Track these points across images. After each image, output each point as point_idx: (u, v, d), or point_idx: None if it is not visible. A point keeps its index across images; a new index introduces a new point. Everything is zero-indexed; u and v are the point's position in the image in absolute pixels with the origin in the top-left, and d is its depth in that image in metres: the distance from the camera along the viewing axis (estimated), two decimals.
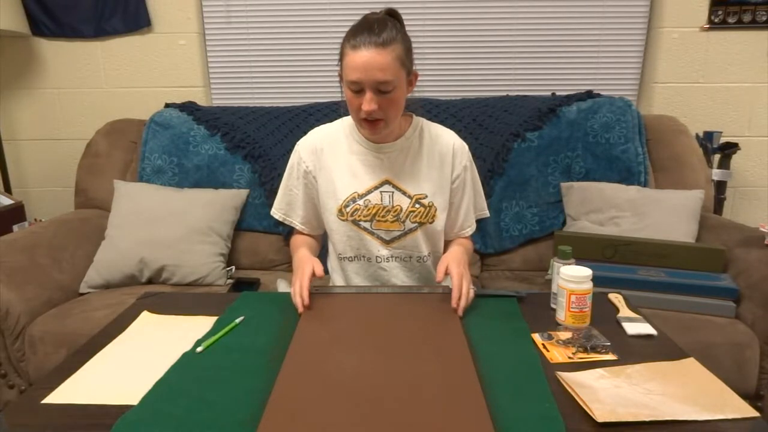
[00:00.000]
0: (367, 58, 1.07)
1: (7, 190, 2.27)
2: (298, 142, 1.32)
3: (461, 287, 1.04)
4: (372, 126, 1.15)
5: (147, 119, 2.06)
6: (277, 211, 1.35)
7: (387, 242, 1.26)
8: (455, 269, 1.08)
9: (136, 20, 2.20)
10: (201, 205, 1.86)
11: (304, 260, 1.16)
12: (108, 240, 1.79)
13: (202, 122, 2.02)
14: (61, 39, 2.24)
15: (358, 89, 1.10)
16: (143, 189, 1.93)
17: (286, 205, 1.34)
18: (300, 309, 1.05)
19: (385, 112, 1.13)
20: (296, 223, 1.34)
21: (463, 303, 1.03)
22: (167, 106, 2.11)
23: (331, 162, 1.27)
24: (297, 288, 1.08)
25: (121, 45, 2.24)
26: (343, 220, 1.25)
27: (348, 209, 1.24)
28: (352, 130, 1.27)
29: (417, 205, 1.25)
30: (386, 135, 1.24)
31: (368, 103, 1.10)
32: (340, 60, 1.14)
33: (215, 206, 1.87)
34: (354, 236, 1.26)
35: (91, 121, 2.25)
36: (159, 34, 2.24)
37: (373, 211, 1.24)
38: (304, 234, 1.36)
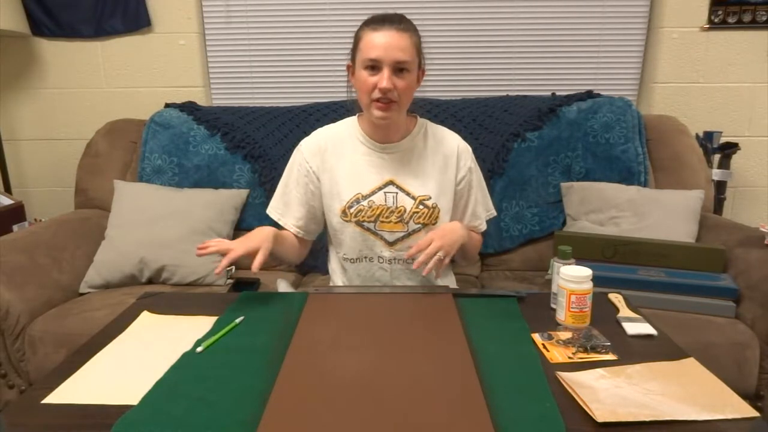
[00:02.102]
0: (388, 37, 1.11)
1: (7, 190, 2.27)
2: (301, 142, 1.31)
3: (424, 246, 1.12)
4: (384, 107, 1.15)
5: (147, 119, 2.06)
6: (273, 211, 1.32)
7: (390, 244, 1.26)
8: (430, 234, 1.16)
9: (136, 20, 2.20)
10: (201, 205, 1.86)
11: (262, 234, 1.15)
12: (108, 240, 1.79)
13: (202, 122, 2.02)
14: (61, 39, 2.24)
15: (375, 66, 1.13)
16: (143, 189, 1.93)
17: (284, 205, 1.31)
18: (200, 252, 1.08)
19: (399, 93, 1.14)
20: (290, 224, 1.30)
21: (421, 258, 1.11)
22: (167, 106, 2.11)
23: (335, 162, 1.26)
24: (226, 245, 1.09)
25: (121, 45, 2.24)
26: (347, 221, 1.25)
27: (352, 210, 1.24)
28: (356, 131, 1.27)
29: (421, 207, 1.24)
30: (391, 134, 1.24)
31: (386, 80, 1.11)
32: (355, 46, 1.17)
33: (215, 206, 1.87)
34: (357, 237, 1.26)
35: (91, 121, 2.25)
36: (159, 34, 2.24)
37: (377, 212, 1.24)
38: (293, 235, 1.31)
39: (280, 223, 1.32)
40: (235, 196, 1.93)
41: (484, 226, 1.37)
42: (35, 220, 2.24)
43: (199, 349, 0.89)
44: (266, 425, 0.68)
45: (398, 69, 1.13)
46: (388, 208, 1.24)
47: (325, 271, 1.43)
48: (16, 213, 2.09)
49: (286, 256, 1.28)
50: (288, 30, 2.27)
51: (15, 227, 2.04)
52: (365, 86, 1.15)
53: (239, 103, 2.29)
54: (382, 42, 1.11)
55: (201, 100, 2.22)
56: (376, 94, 1.13)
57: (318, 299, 1.09)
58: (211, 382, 0.79)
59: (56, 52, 2.25)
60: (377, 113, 1.16)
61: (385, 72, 1.11)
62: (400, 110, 1.18)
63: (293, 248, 1.30)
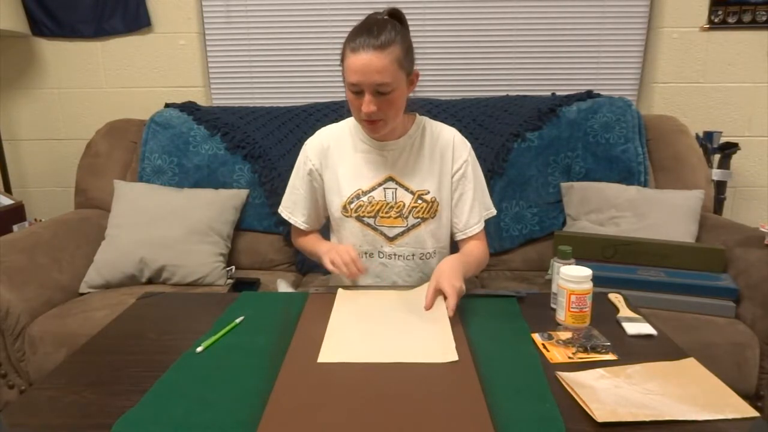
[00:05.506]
0: (365, 60, 1.09)
1: (7, 190, 2.27)
2: (306, 141, 1.34)
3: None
4: (372, 125, 1.18)
5: (147, 119, 2.06)
6: (284, 210, 1.38)
7: (390, 239, 1.27)
8: (447, 287, 1.01)
9: (136, 20, 2.20)
10: (201, 205, 1.86)
11: (338, 245, 1.24)
12: (108, 240, 1.79)
13: (202, 122, 2.02)
14: (61, 39, 2.24)
15: (358, 90, 1.13)
16: (143, 189, 1.93)
17: (292, 203, 1.36)
18: (354, 274, 1.13)
19: (385, 112, 1.15)
20: (300, 222, 1.36)
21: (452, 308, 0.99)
22: (167, 106, 2.11)
23: (337, 160, 1.29)
24: (346, 257, 1.14)
25: (121, 45, 2.24)
26: (348, 217, 1.27)
27: (352, 206, 1.26)
28: (357, 129, 1.29)
29: (419, 201, 1.26)
30: (390, 133, 1.25)
31: (367, 104, 1.12)
32: (342, 62, 1.16)
33: (215, 206, 1.87)
34: (357, 232, 1.27)
35: (91, 121, 2.25)
36: (159, 34, 2.24)
37: (377, 208, 1.26)
38: (307, 232, 1.38)
39: (290, 221, 1.37)
40: (235, 196, 1.93)
41: (480, 226, 1.31)
42: (35, 220, 2.24)
43: (199, 349, 0.89)
44: (266, 425, 0.68)
45: (379, 91, 1.12)
46: (388, 203, 1.26)
47: (325, 271, 1.43)
48: (16, 213, 2.09)
49: None
50: (288, 30, 2.27)
51: (15, 227, 2.04)
52: (352, 107, 1.18)
53: (239, 103, 2.29)
54: (359, 66, 1.09)
55: (201, 100, 2.22)
56: (363, 116, 1.15)
57: (318, 299, 1.09)
58: (211, 382, 0.79)
59: (56, 52, 2.25)
60: (367, 131, 1.22)
61: (367, 96, 1.12)
62: (388, 124, 1.19)
63: None
